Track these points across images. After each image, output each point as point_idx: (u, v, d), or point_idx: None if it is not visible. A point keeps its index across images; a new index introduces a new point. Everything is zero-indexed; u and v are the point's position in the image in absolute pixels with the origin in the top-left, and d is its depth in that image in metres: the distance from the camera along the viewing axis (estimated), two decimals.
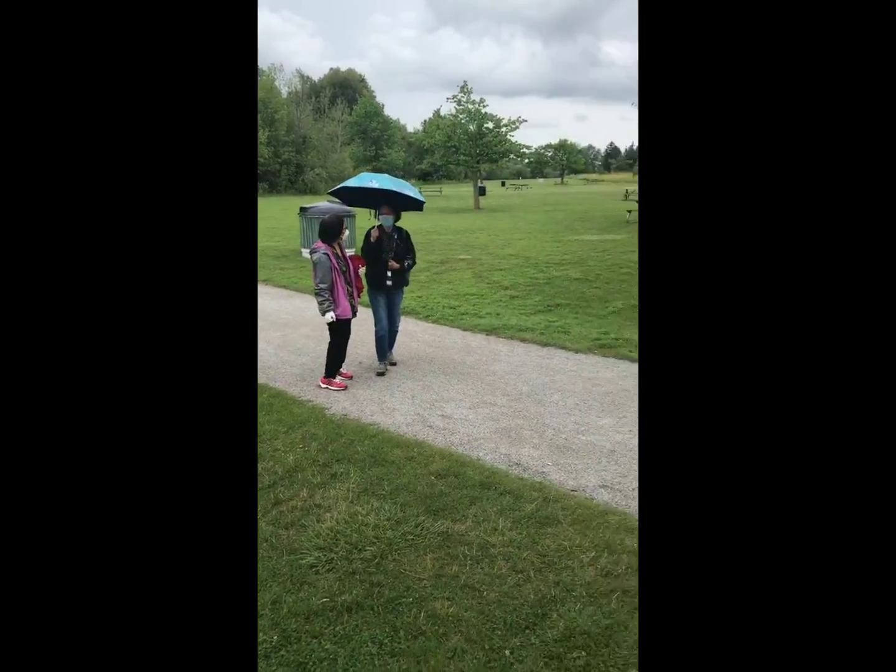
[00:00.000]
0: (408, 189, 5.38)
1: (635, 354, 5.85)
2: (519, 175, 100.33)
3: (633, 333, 6.60)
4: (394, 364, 5.66)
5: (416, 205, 5.50)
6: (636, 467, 3.55)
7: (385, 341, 5.48)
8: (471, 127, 30.07)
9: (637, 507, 3.10)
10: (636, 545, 2.69)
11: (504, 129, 30.25)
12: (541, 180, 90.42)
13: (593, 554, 2.63)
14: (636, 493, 3.24)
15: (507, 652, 2.09)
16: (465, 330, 7.11)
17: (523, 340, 6.58)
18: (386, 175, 5.47)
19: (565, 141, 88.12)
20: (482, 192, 35.64)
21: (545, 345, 6.38)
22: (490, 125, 30.29)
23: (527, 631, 2.19)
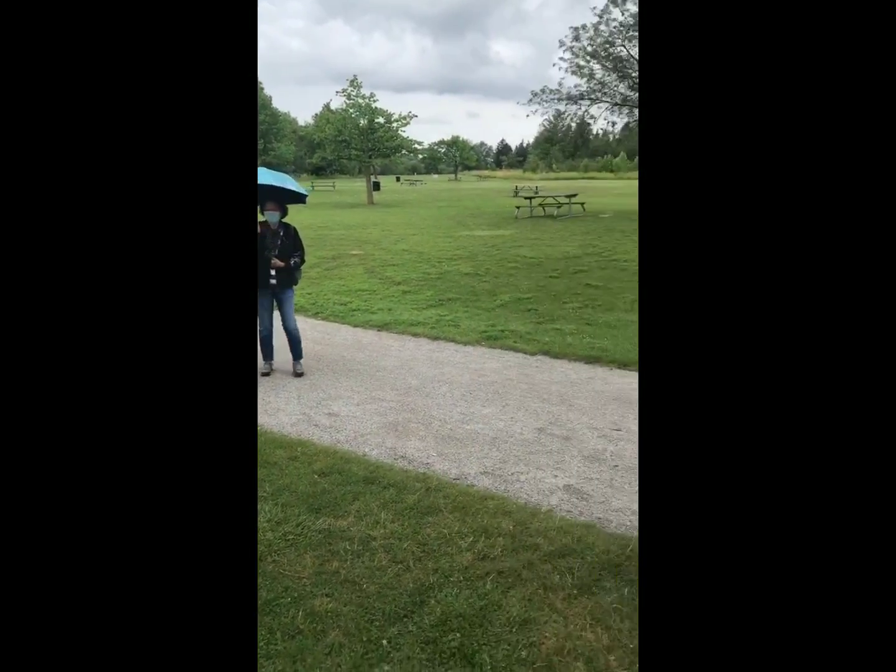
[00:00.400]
0: (289, 183, 5.26)
1: (520, 345, 6.07)
2: (414, 171, 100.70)
3: (518, 325, 6.84)
4: (300, 374, 5.22)
5: (298, 198, 5.40)
6: (516, 452, 3.70)
7: (270, 341, 5.33)
8: (362, 121, 29.81)
9: (515, 491, 3.23)
10: (512, 527, 2.81)
11: (395, 125, 30.26)
12: (435, 176, 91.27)
13: (471, 539, 2.71)
14: (514, 478, 3.38)
15: (384, 642, 2.11)
16: (356, 326, 7.06)
17: (415, 335, 6.63)
18: (264, 168, 5.32)
19: (457, 137, 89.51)
20: (376, 187, 35.45)
21: (435, 338, 6.47)
22: (381, 120, 30.17)
23: (405, 619, 2.23)
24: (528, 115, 30.55)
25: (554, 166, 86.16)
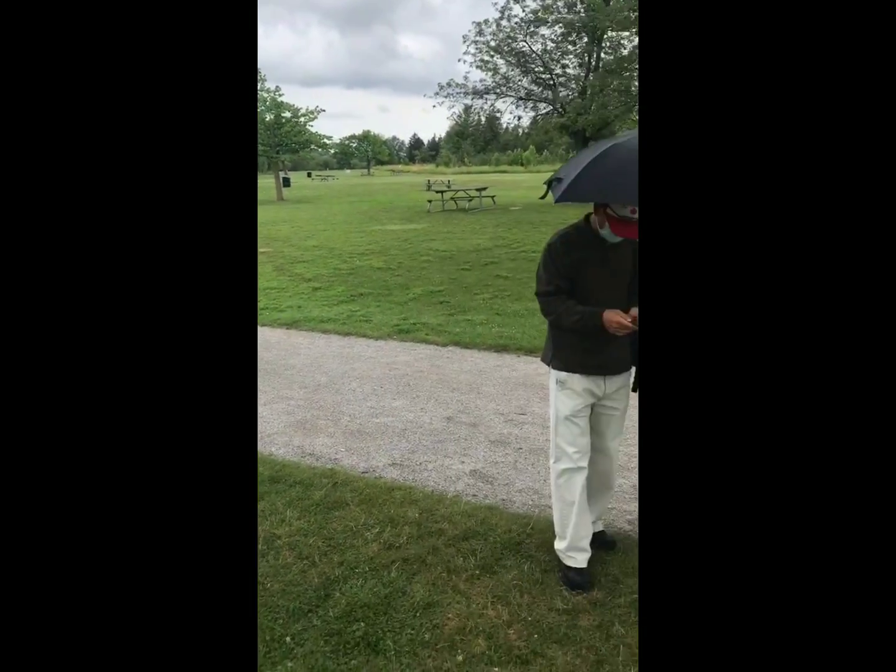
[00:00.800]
0: None
1: (431, 337, 6.13)
2: (326, 166, 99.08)
3: (430, 317, 6.90)
4: None
5: None
6: (424, 442, 3.74)
7: None
8: (267, 116, 28.97)
9: (422, 480, 3.27)
10: (418, 515, 2.85)
11: (302, 119, 29.62)
12: (348, 171, 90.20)
13: (377, 530, 2.73)
14: (422, 467, 3.42)
15: (287, 639, 2.10)
16: (263, 325, 6.89)
17: (325, 332, 6.55)
18: None
19: (369, 132, 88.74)
20: (286, 183, 34.60)
21: (346, 334, 6.42)
22: (288, 114, 29.45)
23: (309, 614, 2.22)
24: (434, 106, 30.62)
25: (466, 160, 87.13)
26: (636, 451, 3.54)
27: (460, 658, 2.01)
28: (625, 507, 2.97)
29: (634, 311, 2.23)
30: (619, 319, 2.15)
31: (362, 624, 2.15)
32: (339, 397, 4.56)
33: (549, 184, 2.27)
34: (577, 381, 2.34)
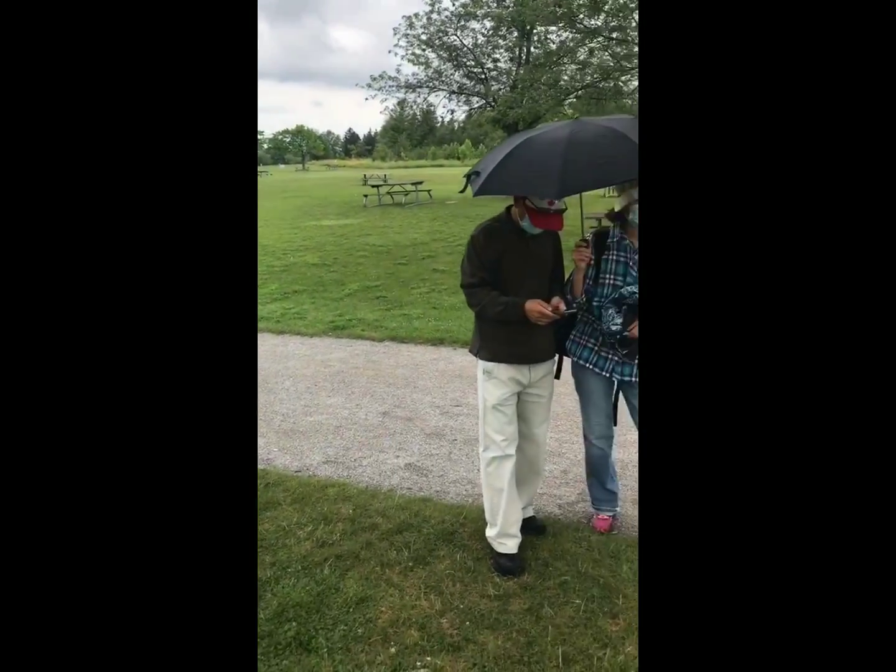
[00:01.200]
0: None
1: (367, 333, 6.09)
2: (259, 161, 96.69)
3: (366, 313, 6.85)
4: None
5: None
6: (359, 438, 3.72)
7: None
8: None
9: (356, 476, 3.26)
10: (352, 511, 2.83)
11: None
12: (282, 166, 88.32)
13: (310, 528, 2.70)
14: (357, 463, 3.41)
15: None
16: None
17: (258, 330, 6.42)
18: None
19: (303, 126, 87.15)
20: None
21: (280, 332, 6.31)
22: None
23: None
24: (366, 99, 30.24)
25: (402, 154, 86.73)
26: (565, 437, 3.64)
27: (393, 650, 2.01)
28: (554, 492, 3.04)
29: (556, 300, 2.28)
30: (541, 309, 2.20)
31: (294, 624, 2.13)
32: (271, 397, 4.48)
33: (468, 177, 2.30)
34: (503, 370, 2.37)
